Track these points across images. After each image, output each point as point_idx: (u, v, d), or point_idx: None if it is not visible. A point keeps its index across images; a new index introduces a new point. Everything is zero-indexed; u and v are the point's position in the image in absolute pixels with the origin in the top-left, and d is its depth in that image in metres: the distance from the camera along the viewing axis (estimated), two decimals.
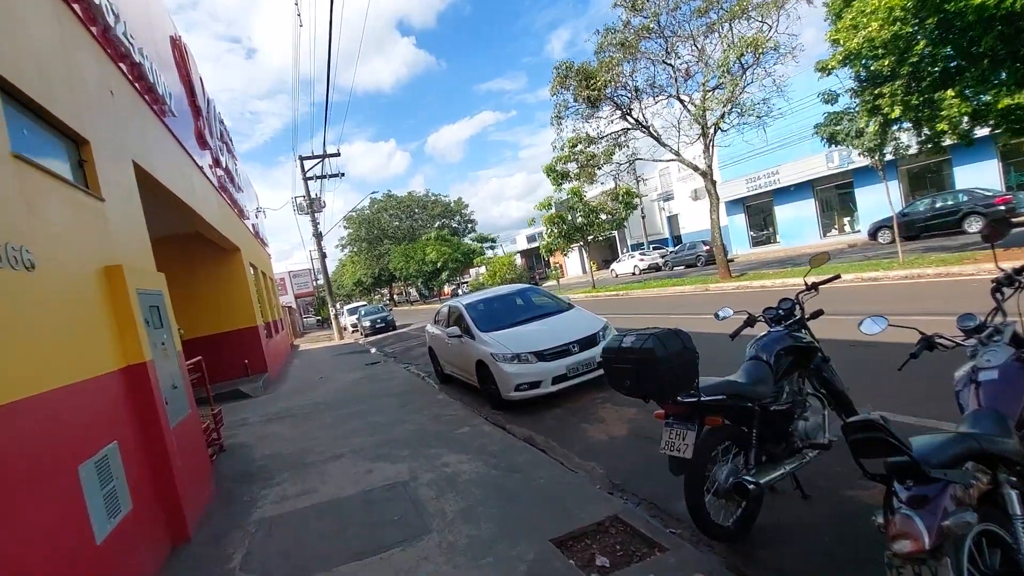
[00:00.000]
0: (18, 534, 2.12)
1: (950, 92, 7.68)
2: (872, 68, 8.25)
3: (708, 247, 25.73)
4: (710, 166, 14.82)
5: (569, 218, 20.39)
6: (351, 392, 9.00)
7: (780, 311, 3.51)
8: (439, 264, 43.34)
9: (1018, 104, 7.07)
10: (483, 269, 39.32)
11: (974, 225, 16.11)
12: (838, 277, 3.52)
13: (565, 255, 22.41)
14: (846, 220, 26.05)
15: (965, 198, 16.54)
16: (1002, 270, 2.34)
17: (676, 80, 14.44)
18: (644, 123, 15.40)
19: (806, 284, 3.48)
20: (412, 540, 3.30)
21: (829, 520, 2.97)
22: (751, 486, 2.71)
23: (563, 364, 6.08)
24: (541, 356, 6.12)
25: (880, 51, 8.13)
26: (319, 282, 48.39)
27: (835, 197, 26.17)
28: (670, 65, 14.29)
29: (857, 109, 10.46)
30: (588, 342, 6.33)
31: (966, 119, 8.08)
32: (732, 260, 26.45)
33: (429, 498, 3.91)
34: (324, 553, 3.32)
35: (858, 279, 10.58)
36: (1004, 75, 7.51)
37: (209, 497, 4.53)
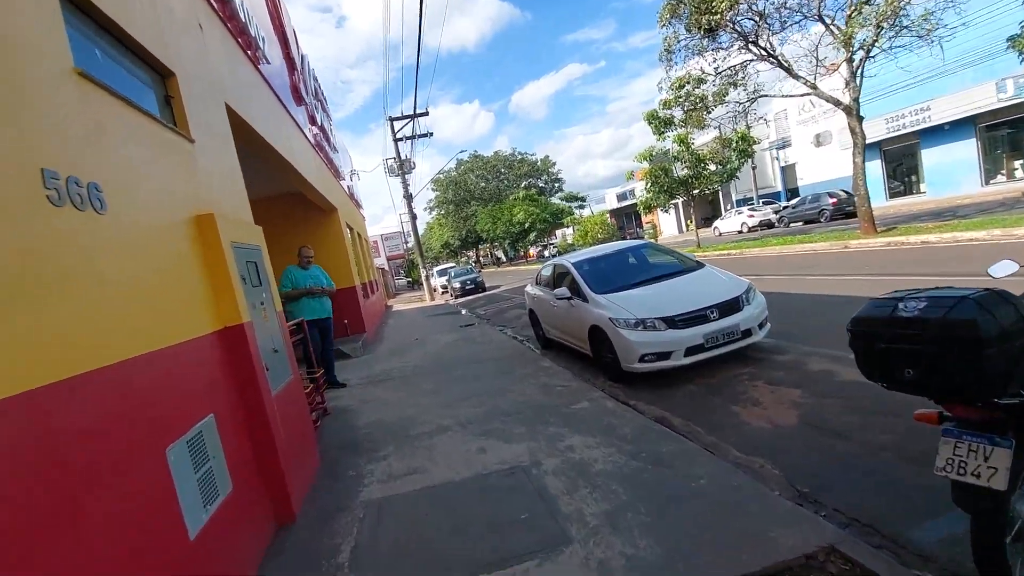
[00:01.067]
0: (85, 545, 1.66)
1: None
2: None
3: (835, 199, 22.54)
4: (856, 99, 12.39)
5: (673, 170, 18.43)
6: (449, 355, 8.63)
7: None
8: (527, 225, 42.61)
9: None
10: (571, 230, 38.04)
11: None
12: None
13: (666, 211, 20.46)
14: (1017, 164, 21.46)
15: None
16: None
17: None
18: (772, 52, 13.13)
19: None
20: (549, 551, 2.62)
21: None
22: None
23: (699, 332, 5.08)
24: (671, 323, 5.15)
25: None
26: (409, 244, 49.90)
27: (1004, 136, 21.59)
28: None
29: None
30: (729, 307, 5.25)
31: None
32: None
33: (559, 492, 3.22)
34: (444, 557, 2.76)
35: None
36: None
37: (314, 469, 4.22)
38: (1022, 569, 1.90)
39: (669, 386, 5.19)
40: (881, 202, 25.10)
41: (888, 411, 3.59)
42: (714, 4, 12.11)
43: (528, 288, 8.71)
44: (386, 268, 45.68)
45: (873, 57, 12.56)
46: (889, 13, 10.81)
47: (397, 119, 23.21)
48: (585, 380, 5.83)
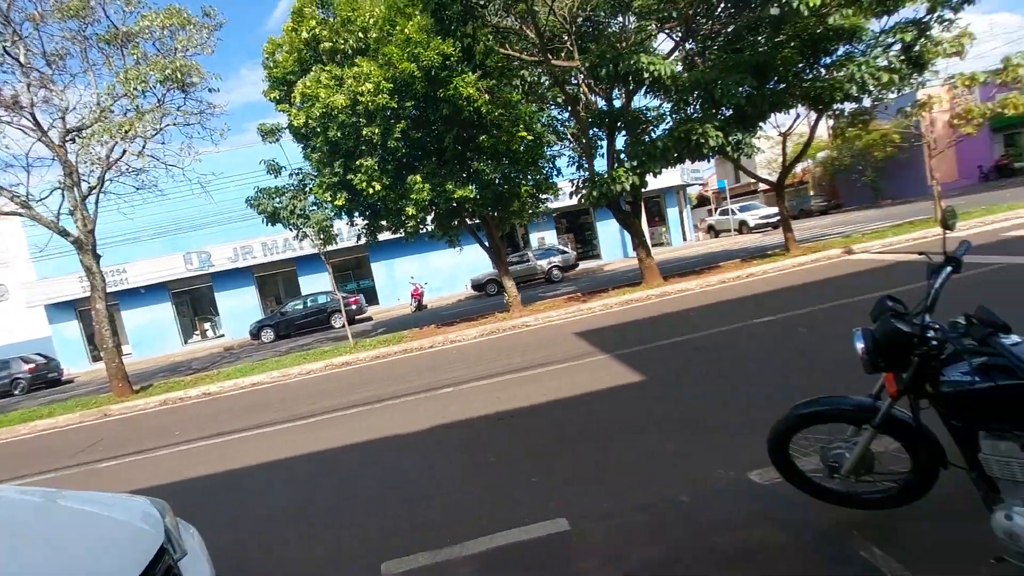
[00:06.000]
0: None
1: (418, 177, 8.57)
2: (364, 133, 7.98)
3: (31, 365, 17.39)
4: (91, 232, 9.93)
5: None
6: None
7: None
8: None
9: (465, 196, 8.80)
10: None
11: (338, 320, 18.82)
12: None
13: None
14: (207, 325, 24.63)
15: (329, 299, 19.27)
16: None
17: (30, 88, 8.91)
18: None
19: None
20: None
21: None
22: None
23: None
24: None
25: (363, 120, 8.06)
26: None
27: (193, 301, 24.43)
28: (17, 61, 8.68)
29: (306, 184, 10.04)
30: None
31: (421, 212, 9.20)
32: (71, 381, 19.04)
33: None
34: None
35: (328, 367, 9.70)
36: (456, 171, 9.20)
37: None
38: None
39: None
40: (86, 367, 21.88)
41: None
42: None
43: None
44: None
45: (95, 193, 10.54)
46: (122, 131, 9.41)
47: None
48: None
